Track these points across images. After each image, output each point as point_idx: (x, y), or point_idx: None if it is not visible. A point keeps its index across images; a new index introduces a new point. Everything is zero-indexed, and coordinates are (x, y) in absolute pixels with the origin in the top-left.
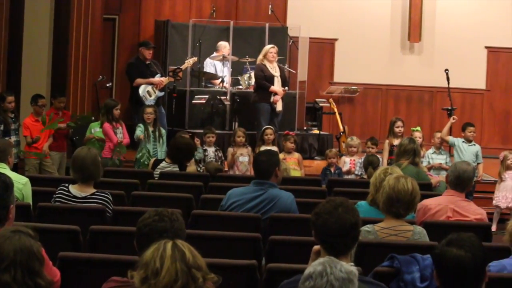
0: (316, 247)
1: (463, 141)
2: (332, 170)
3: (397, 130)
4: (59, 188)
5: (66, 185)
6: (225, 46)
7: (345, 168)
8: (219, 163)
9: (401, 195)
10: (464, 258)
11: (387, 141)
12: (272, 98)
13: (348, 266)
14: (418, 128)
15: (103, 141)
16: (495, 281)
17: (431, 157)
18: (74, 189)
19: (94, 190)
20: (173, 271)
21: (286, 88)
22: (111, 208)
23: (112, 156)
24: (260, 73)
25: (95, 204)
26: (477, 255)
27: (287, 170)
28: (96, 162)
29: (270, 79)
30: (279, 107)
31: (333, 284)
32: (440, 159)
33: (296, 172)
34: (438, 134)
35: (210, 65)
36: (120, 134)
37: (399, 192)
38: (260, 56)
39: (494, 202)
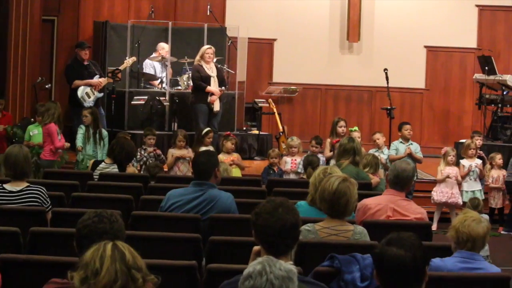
0: (256, 247)
1: (400, 142)
2: (275, 169)
3: (340, 130)
4: None
5: (0, 184)
6: (163, 47)
7: (286, 168)
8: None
9: (339, 195)
10: (404, 258)
11: (328, 140)
12: (209, 99)
13: (287, 265)
14: (356, 128)
15: (41, 146)
16: (435, 280)
17: (398, 146)
18: (8, 186)
19: (27, 184)
20: (113, 271)
21: (223, 88)
22: (47, 200)
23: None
24: (196, 74)
25: (36, 207)
26: (417, 255)
27: (227, 171)
28: (28, 159)
29: (207, 79)
30: (216, 107)
31: (273, 283)
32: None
33: (236, 172)
34: (377, 135)
35: (150, 66)
36: (60, 136)
37: (337, 192)
38: (197, 57)
39: (432, 197)
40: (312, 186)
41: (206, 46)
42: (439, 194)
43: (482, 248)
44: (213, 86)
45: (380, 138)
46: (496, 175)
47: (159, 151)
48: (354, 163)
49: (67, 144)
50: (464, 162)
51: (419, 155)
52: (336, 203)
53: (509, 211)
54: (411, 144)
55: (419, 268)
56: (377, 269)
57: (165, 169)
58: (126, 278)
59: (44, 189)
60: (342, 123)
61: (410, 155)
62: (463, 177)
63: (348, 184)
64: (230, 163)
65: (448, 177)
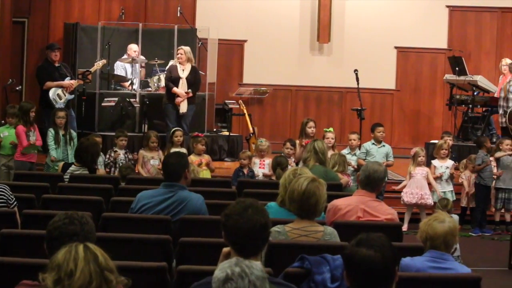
0: (226, 248)
1: (372, 143)
2: (245, 171)
3: (309, 130)
4: None
5: None
6: (131, 48)
7: (255, 169)
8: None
9: (309, 196)
10: (374, 258)
11: (297, 141)
12: (175, 100)
13: (260, 264)
14: (331, 129)
15: (16, 145)
16: (405, 281)
17: (369, 148)
18: None
19: None
20: (87, 273)
21: (189, 90)
22: (11, 197)
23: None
24: (167, 74)
25: (5, 208)
26: (387, 255)
27: (194, 172)
28: None
29: (176, 80)
30: (182, 109)
31: (255, 284)
32: (381, 151)
33: (206, 174)
34: (353, 136)
35: (121, 67)
36: (34, 137)
37: (307, 193)
38: (175, 58)
39: (402, 198)
40: (282, 187)
41: (180, 47)
42: (409, 195)
43: (447, 247)
44: (180, 88)
45: (356, 139)
46: (468, 175)
47: (131, 156)
48: (320, 162)
49: (33, 140)
50: (436, 162)
51: (391, 159)
52: (305, 204)
53: (476, 212)
54: (383, 146)
55: (389, 268)
56: (347, 270)
57: (136, 171)
58: (100, 279)
59: (7, 186)
60: (311, 123)
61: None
62: (435, 179)
63: (317, 184)
64: (199, 163)
65: (404, 187)
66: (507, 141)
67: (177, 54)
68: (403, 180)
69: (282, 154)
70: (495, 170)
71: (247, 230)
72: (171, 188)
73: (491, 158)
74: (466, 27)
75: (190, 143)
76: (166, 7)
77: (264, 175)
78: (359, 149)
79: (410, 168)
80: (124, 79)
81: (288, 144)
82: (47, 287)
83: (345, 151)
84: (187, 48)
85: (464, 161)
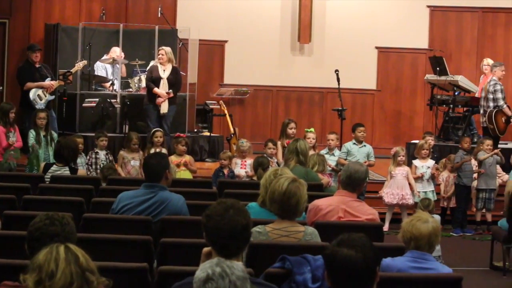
0: (207, 248)
1: (353, 143)
2: (226, 172)
3: (290, 131)
4: None
5: None
6: (115, 51)
7: (236, 170)
8: None
9: (289, 196)
10: (355, 258)
11: (279, 142)
12: (156, 100)
13: (241, 264)
14: (312, 129)
15: None
16: (387, 281)
17: (350, 148)
18: None
19: None
20: (68, 274)
21: (170, 91)
22: None
23: (5, 159)
24: (148, 75)
25: None
26: (368, 255)
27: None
28: None
29: (156, 80)
30: (163, 109)
31: (236, 285)
32: (362, 151)
33: (184, 174)
34: (332, 136)
35: (102, 68)
36: (14, 138)
37: (287, 193)
38: (156, 58)
39: (383, 198)
40: (263, 187)
41: (161, 47)
42: (389, 196)
43: (430, 248)
44: (161, 88)
45: (334, 140)
46: (446, 175)
47: (111, 157)
48: (300, 162)
49: (12, 141)
50: (417, 162)
51: (372, 159)
52: (286, 204)
53: (457, 212)
54: (364, 146)
55: (370, 268)
56: (328, 270)
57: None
58: (81, 280)
59: None
60: (292, 124)
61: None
62: (415, 180)
63: (298, 184)
64: (177, 163)
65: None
66: (488, 141)
67: (158, 54)
68: (386, 181)
69: (265, 154)
70: (476, 169)
71: (228, 231)
72: (152, 188)
73: (471, 158)
74: (447, 27)
75: (171, 144)
76: (147, 7)
77: (247, 175)
78: (339, 149)
79: (390, 167)
80: (105, 79)
81: (270, 145)
82: None
83: (323, 151)
84: (168, 49)
85: (443, 160)
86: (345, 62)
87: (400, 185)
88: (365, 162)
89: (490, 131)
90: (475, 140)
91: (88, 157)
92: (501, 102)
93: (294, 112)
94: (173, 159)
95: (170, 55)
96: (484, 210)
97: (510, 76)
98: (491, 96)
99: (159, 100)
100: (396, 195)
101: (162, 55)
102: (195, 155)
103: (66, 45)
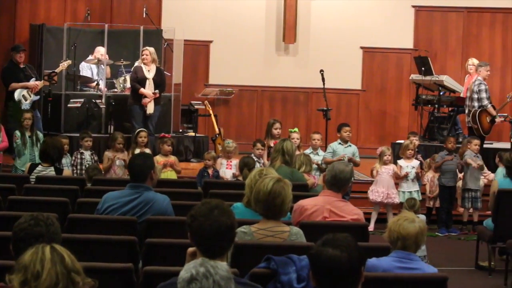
0: (191, 248)
1: (338, 143)
2: (210, 172)
3: (275, 132)
4: None
5: None
6: (99, 51)
7: (221, 170)
8: None
9: (274, 196)
10: (340, 258)
11: (264, 142)
12: (142, 101)
13: (225, 265)
14: (296, 129)
15: None
16: (372, 281)
17: (336, 148)
18: None
19: None
20: (54, 274)
21: (157, 91)
22: None
23: None
24: (133, 75)
25: None
26: (353, 255)
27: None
28: None
29: (142, 81)
30: (149, 109)
31: (220, 284)
32: (347, 151)
33: (170, 174)
34: (316, 136)
35: (87, 68)
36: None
37: (272, 193)
38: (139, 59)
39: (368, 196)
40: (248, 187)
41: (145, 48)
42: (375, 193)
43: (417, 247)
44: (147, 89)
45: (319, 139)
46: (431, 175)
47: (96, 157)
48: (286, 162)
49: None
50: (402, 162)
51: (357, 159)
52: (271, 204)
53: (441, 212)
54: (350, 146)
55: (355, 268)
56: (313, 270)
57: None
58: (67, 281)
59: None
60: (277, 125)
61: (350, 160)
62: (401, 179)
63: (283, 184)
64: (165, 164)
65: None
66: (475, 141)
67: (142, 55)
68: (370, 180)
69: (252, 155)
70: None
71: (213, 231)
72: (137, 189)
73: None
74: (432, 27)
75: (156, 144)
76: (132, 8)
77: (234, 175)
78: (324, 149)
79: (376, 166)
80: (90, 80)
81: (258, 145)
82: None
83: (307, 151)
84: (151, 49)
85: (428, 160)
86: (330, 62)
87: (385, 184)
88: (342, 157)
89: (474, 131)
90: (460, 140)
91: (73, 158)
92: (485, 102)
93: (279, 112)
94: (159, 159)
95: (154, 55)
96: (471, 210)
97: (495, 76)
98: (475, 96)
99: (145, 100)
100: (381, 193)
101: (147, 55)
102: (180, 156)
103: (51, 46)
